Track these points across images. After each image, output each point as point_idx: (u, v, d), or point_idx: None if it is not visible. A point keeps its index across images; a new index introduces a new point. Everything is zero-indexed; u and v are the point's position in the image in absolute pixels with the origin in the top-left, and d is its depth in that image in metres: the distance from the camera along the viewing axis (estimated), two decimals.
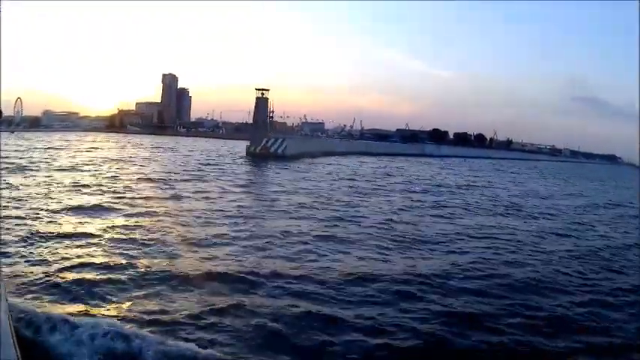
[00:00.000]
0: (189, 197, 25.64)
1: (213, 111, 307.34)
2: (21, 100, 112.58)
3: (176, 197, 25.30)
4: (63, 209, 19.37)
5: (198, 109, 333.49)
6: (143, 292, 10.84)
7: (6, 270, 11.16)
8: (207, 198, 25.73)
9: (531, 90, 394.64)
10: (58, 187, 25.97)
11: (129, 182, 30.12)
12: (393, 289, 12.07)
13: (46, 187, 25.61)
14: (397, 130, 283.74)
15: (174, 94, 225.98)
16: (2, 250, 13.00)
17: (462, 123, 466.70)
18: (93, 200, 22.09)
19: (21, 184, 25.64)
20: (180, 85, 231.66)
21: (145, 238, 15.61)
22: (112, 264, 12.70)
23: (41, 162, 39.54)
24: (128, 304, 10.21)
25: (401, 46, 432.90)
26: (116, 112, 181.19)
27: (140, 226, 17.46)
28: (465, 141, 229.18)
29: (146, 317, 9.46)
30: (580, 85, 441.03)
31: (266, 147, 64.88)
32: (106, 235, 15.58)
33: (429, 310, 10.98)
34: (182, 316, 9.61)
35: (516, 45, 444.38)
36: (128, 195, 24.69)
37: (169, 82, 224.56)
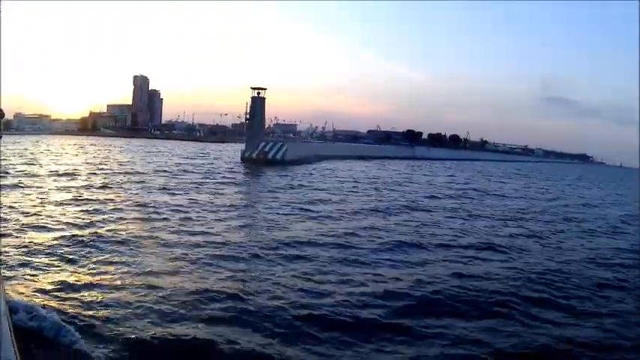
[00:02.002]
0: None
1: (184, 113, 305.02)
2: None
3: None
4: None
5: (168, 111, 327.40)
6: None
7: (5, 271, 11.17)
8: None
9: (501, 91, 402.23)
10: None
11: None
12: None
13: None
14: (369, 131, 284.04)
15: (146, 96, 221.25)
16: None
17: (433, 123, 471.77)
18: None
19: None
20: (151, 86, 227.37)
21: None
22: None
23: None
24: None
25: (373, 47, 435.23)
26: (88, 114, 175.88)
27: None
28: (440, 142, 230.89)
29: None
30: (550, 85, 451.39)
31: (263, 152, 60.28)
32: None
33: None
34: None
35: (487, 47, 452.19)
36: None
37: (141, 83, 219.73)
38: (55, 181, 30.86)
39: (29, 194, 23.96)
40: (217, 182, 35.47)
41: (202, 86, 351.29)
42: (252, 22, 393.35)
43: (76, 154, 60.65)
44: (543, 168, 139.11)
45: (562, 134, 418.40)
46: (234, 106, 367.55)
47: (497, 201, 36.44)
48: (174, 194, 27.34)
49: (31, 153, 56.58)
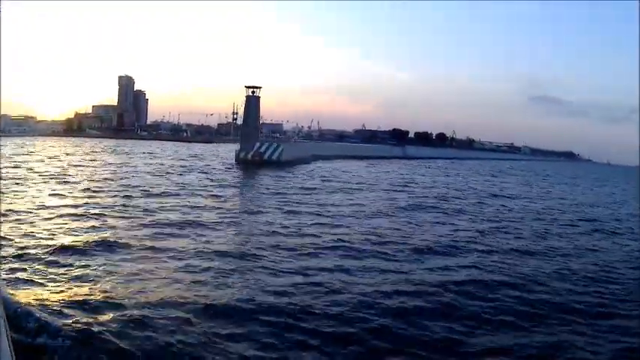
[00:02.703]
0: None
1: (170, 113, 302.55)
2: None
3: None
4: None
5: (153, 112, 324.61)
6: None
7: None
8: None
9: (487, 90, 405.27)
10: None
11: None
12: None
13: None
14: (355, 130, 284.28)
15: (131, 97, 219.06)
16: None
17: (419, 122, 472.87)
18: None
19: None
20: (136, 87, 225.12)
21: None
22: None
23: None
24: None
25: (358, 47, 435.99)
26: (73, 115, 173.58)
27: None
28: (427, 140, 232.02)
29: None
30: (536, 84, 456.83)
31: (259, 153, 59.23)
32: None
33: None
34: None
35: (473, 46, 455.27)
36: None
37: (126, 84, 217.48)
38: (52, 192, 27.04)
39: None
40: (220, 186, 34.40)
41: (187, 86, 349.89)
42: (236, 22, 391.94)
43: (66, 158, 58.49)
44: (534, 166, 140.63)
45: (547, 132, 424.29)
46: (219, 107, 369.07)
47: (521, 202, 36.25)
48: (176, 198, 25.98)
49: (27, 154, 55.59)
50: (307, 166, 59.25)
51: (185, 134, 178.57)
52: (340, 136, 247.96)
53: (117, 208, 21.89)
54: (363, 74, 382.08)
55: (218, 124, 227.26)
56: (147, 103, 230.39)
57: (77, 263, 12.83)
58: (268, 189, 33.49)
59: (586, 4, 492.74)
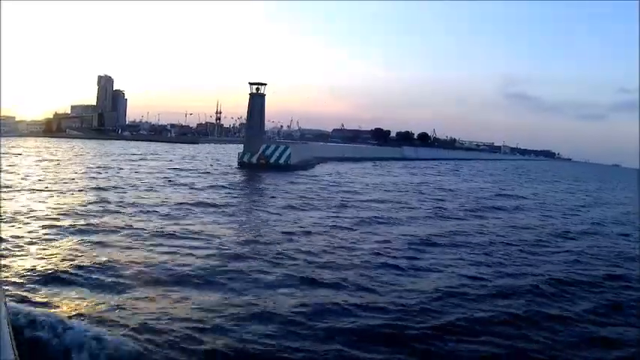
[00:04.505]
0: None
1: (148, 113, 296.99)
2: None
3: None
4: None
5: (131, 112, 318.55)
6: None
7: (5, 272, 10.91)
8: None
9: (464, 88, 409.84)
10: None
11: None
12: None
13: None
14: (334, 129, 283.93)
15: (111, 97, 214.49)
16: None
17: (399, 122, 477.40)
18: None
19: None
20: (115, 86, 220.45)
21: None
22: None
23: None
24: None
25: (338, 45, 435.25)
26: (52, 115, 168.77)
27: None
28: (409, 140, 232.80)
29: None
30: (512, 82, 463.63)
31: (264, 156, 55.49)
32: None
33: None
34: None
35: (450, 44, 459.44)
36: None
37: (105, 83, 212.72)
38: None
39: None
40: (238, 198, 29.73)
41: (165, 86, 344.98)
42: (214, 21, 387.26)
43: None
44: (529, 166, 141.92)
45: (524, 131, 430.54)
46: (197, 107, 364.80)
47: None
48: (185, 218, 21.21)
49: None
50: (316, 170, 57.23)
51: (169, 134, 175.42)
52: (320, 136, 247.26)
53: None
54: (342, 72, 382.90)
55: (197, 124, 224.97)
56: (126, 102, 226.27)
57: None
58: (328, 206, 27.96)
59: (562, 3, 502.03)
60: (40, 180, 32.77)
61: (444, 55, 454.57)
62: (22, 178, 33.09)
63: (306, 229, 20.21)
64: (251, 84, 58.97)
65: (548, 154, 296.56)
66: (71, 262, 13.29)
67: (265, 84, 58.92)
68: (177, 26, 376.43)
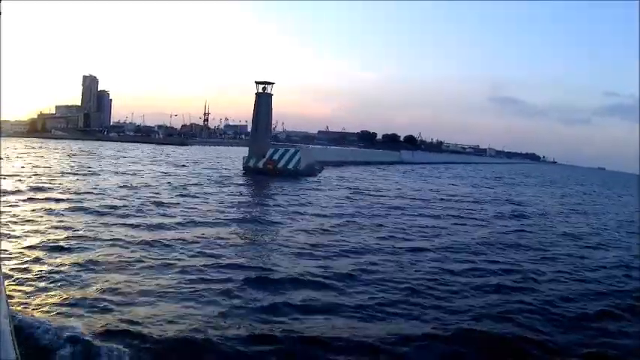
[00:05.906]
0: None
1: (133, 114, 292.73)
2: None
3: None
4: None
5: (115, 113, 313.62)
6: None
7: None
8: None
9: (450, 91, 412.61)
10: None
11: None
12: None
13: None
14: (319, 131, 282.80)
15: (95, 97, 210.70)
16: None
17: (384, 124, 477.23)
18: None
19: None
20: (100, 87, 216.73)
21: None
22: None
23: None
24: None
25: (322, 46, 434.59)
26: (36, 115, 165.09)
27: None
28: (396, 142, 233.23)
29: None
30: (497, 85, 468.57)
31: (272, 161, 51.55)
32: None
33: None
34: None
35: (437, 46, 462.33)
36: None
37: (90, 84, 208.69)
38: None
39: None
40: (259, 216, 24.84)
41: (150, 87, 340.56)
42: (197, 22, 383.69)
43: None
44: (524, 169, 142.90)
45: (508, 134, 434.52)
46: (181, 108, 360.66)
47: None
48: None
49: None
50: (324, 175, 55.71)
51: (157, 136, 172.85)
52: (306, 137, 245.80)
53: None
54: (327, 74, 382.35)
55: (182, 126, 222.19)
56: (111, 103, 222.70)
57: None
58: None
59: (548, 4, 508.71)
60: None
61: (430, 57, 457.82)
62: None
63: None
64: (257, 82, 55.14)
65: (533, 158, 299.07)
66: None
67: (273, 83, 55.28)
68: (162, 27, 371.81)
